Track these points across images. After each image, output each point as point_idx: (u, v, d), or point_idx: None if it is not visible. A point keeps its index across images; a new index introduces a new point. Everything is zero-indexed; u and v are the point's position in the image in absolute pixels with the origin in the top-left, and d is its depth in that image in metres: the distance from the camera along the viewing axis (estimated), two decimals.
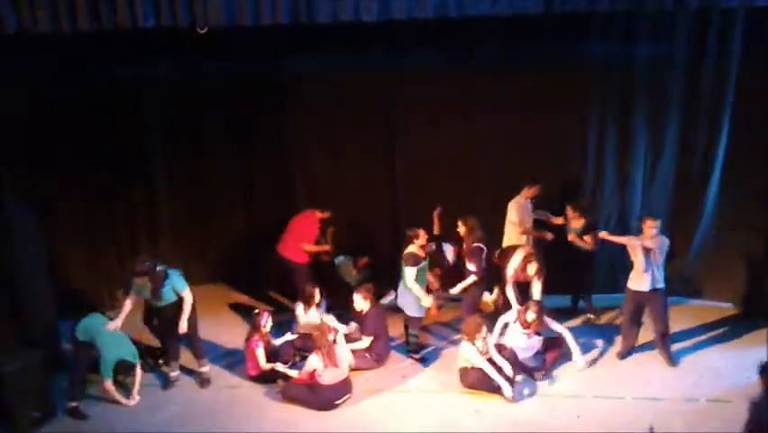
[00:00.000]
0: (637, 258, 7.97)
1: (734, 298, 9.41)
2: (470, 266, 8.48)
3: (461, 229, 8.53)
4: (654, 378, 7.93)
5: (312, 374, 7.49)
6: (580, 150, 9.42)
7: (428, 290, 8.62)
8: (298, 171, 10.12)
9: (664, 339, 8.22)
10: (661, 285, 8.04)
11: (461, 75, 9.12)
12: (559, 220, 9.25)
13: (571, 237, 8.98)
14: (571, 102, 9.24)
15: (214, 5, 6.33)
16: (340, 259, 9.71)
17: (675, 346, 8.37)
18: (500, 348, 7.96)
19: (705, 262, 9.36)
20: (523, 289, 8.50)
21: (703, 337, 8.72)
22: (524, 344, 8.04)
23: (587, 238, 8.94)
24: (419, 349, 8.63)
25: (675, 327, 8.54)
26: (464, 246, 8.57)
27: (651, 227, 7.90)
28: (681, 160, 9.31)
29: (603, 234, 8.31)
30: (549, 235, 9.09)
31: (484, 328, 7.66)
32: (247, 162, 10.13)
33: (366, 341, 8.25)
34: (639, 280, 8.01)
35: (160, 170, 10.17)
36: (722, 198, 9.28)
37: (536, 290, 8.37)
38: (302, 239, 9.31)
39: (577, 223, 9.05)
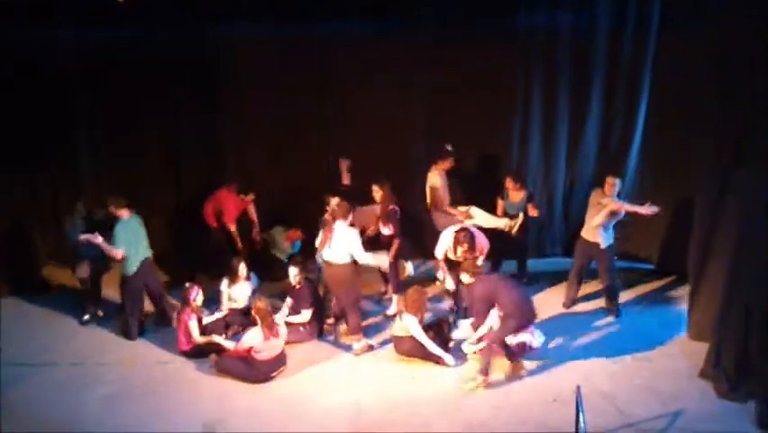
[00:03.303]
0: (601, 217, 8.19)
1: (655, 259, 9.80)
2: (385, 229, 8.57)
3: (377, 194, 8.60)
4: (582, 340, 8.14)
5: (248, 350, 7.44)
6: (507, 119, 9.58)
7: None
8: (230, 147, 10.05)
9: (611, 292, 8.61)
10: (609, 243, 8.39)
11: (394, 46, 9.20)
12: (534, 212, 9.13)
13: (515, 229, 9.01)
14: (498, 72, 9.41)
15: None
16: (274, 229, 9.64)
17: (600, 306, 8.76)
18: None
19: (628, 225, 9.57)
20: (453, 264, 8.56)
21: (627, 298, 9.02)
22: None
23: (531, 207, 9.04)
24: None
25: (600, 288, 8.86)
26: (380, 210, 8.64)
27: (612, 185, 8.18)
28: (604, 128, 9.58)
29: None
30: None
31: (427, 301, 7.74)
32: (175, 136, 9.94)
33: (306, 314, 8.20)
34: (594, 233, 8.32)
35: (85, 142, 9.92)
36: (643, 165, 9.60)
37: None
38: (219, 211, 9.42)
39: (517, 196, 9.04)
